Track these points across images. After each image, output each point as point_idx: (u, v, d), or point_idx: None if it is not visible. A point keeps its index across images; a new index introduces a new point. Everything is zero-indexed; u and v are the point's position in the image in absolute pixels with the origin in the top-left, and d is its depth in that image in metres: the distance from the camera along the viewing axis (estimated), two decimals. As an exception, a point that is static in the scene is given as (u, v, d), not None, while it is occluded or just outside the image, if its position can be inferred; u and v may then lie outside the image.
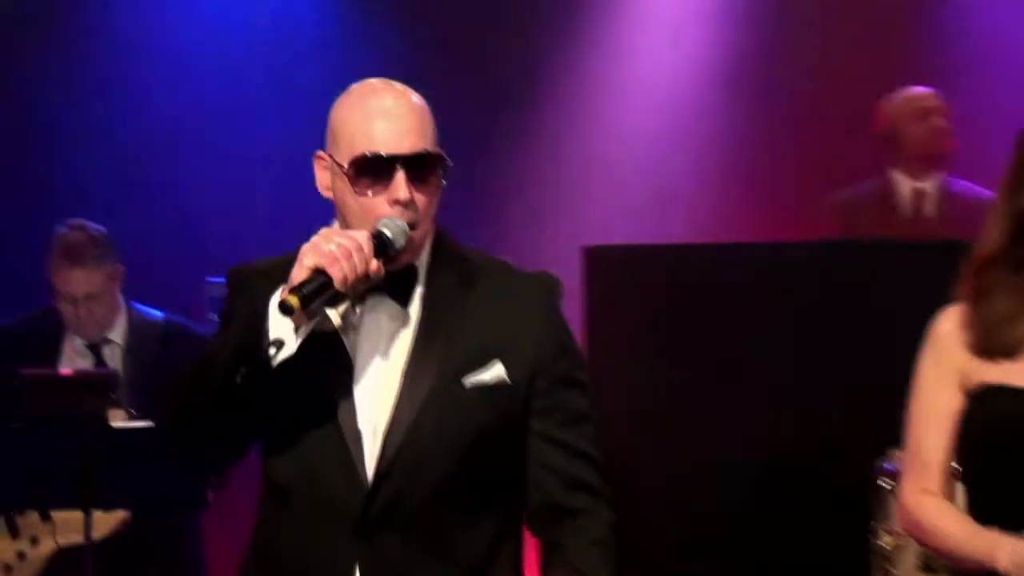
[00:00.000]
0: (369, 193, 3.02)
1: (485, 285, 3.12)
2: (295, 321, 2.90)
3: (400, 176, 3.00)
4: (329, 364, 3.04)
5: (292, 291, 2.87)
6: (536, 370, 3.08)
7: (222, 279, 3.19)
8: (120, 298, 5.66)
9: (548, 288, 3.16)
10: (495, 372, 3.06)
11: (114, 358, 5.57)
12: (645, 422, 5.58)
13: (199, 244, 7.08)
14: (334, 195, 3.09)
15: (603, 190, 7.61)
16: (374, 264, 2.95)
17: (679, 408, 5.57)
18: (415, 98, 3.08)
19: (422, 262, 3.10)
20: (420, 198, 3.03)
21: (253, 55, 7.51)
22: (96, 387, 5.07)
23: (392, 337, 3.07)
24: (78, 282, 5.50)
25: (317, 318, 2.93)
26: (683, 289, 5.65)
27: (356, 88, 3.12)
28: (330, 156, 3.08)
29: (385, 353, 3.06)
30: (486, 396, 3.06)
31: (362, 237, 2.95)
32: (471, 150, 7.41)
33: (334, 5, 7.76)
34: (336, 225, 3.10)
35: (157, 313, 5.74)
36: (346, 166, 3.02)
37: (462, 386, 3.05)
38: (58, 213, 5.90)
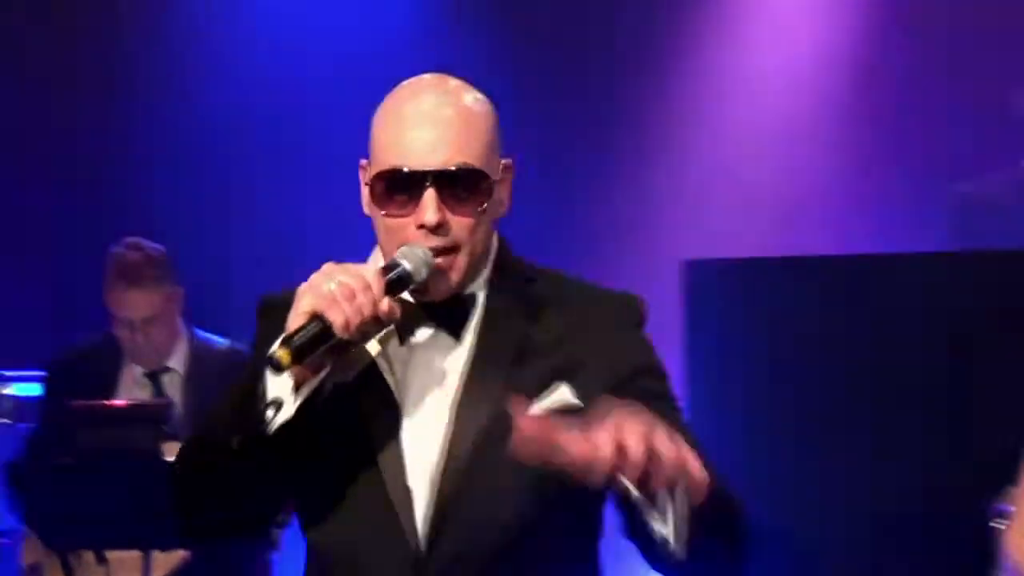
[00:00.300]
0: (396, 214, 2.60)
1: (553, 308, 2.68)
2: (296, 376, 2.49)
3: (429, 195, 2.57)
4: (373, 412, 2.63)
5: (283, 342, 2.43)
6: (612, 389, 2.59)
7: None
8: (180, 323, 5.37)
9: (627, 307, 2.72)
10: (559, 395, 2.56)
11: (173, 388, 5.28)
12: (745, 449, 5.23)
13: (280, 266, 6.79)
14: (371, 214, 2.69)
15: (715, 197, 7.22)
16: (384, 304, 2.50)
17: (783, 434, 5.22)
18: (469, 100, 2.65)
19: (479, 288, 2.68)
20: (457, 221, 2.59)
21: (340, 61, 7.24)
22: (148, 419, 4.78)
23: (445, 376, 2.65)
24: (135, 305, 5.22)
25: (325, 371, 2.52)
26: (788, 306, 5.31)
27: (402, 86, 2.69)
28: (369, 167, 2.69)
29: (436, 395, 2.64)
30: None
31: (370, 272, 2.51)
32: (575, 155, 7.13)
33: (427, 4, 7.47)
34: (377, 251, 2.69)
35: (221, 340, 5.42)
36: (372, 180, 2.63)
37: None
38: (126, 230, 5.64)
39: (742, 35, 7.33)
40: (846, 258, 5.67)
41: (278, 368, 2.42)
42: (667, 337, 5.77)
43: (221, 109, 7.16)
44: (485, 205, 2.62)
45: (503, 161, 2.69)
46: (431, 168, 2.57)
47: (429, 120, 2.59)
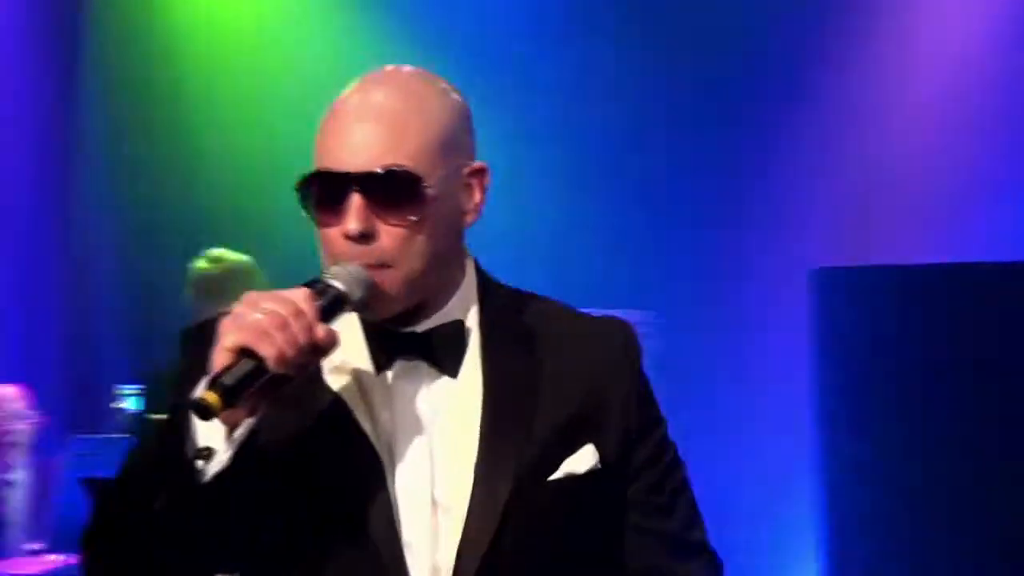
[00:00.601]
0: (325, 222, 2.30)
1: (553, 342, 2.40)
2: (227, 420, 2.17)
3: (353, 201, 2.26)
4: (348, 463, 2.30)
5: (211, 384, 2.14)
6: (628, 446, 2.40)
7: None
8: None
9: (626, 338, 2.46)
10: (587, 457, 2.36)
11: (265, 403, 5.08)
12: (877, 460, 4.97)
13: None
14: None
15: (865, 197, 6.77)
16: (320, 331, 2.20)
17: (924, 450, 4.93)
18: (418, 94, 2.33)
19: (460, 313, 2.38)
20: (389, 231, 2.27)
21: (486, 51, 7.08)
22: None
23: (438, 421, 2.34)
24: (216, 321, 5.03)
25: (259, 412, 2.20)
26: (922, 315, 5.02)
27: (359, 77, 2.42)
28: None
29: (431, 445, 2.34)
30: (578, 490, 2.35)
31: (299, 296, 2.20)
32: (710, 151, 6.82)
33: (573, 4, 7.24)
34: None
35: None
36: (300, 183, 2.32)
37: (547, 483, 2.34)
38: (243, 241, 5.50)
39: (904, 23, 6.86)
40: (992, 266, 5.27)
41: (207, 414, 2.12)
42: (795, 346, 5.52)
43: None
44: (419, 213, 2.28)
45: (473, 164, 2.36)
46: (354, 170, 2.26)
47: (362, 116, 2.28)
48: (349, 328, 2.31)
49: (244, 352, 2.16)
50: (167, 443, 2.20)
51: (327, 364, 2.30)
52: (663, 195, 6.87)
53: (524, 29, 7.16)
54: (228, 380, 2.13)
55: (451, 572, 2.28)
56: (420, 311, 2.34)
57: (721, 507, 6.33)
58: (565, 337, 2.40)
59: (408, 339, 2.33)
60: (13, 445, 5.75)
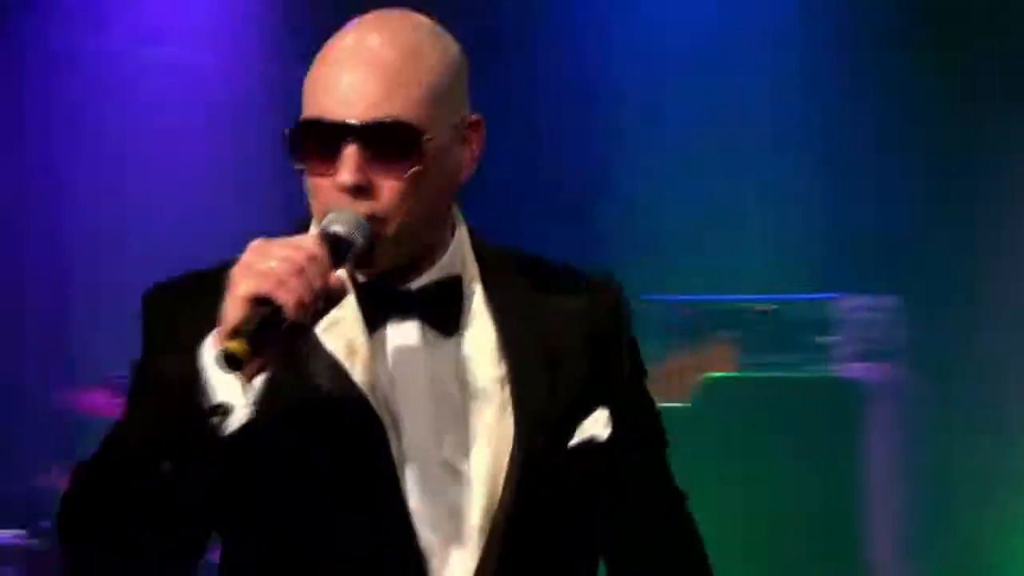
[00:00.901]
0: (318, 172, 2.24)
1: (556, 302, 2.36)
2: (245, 372, 2.11)
3: (348, 152, 2.20)
4: (346, 427, 2.24)
5: (233, 334, 2.08)
6: (627, 402, 2.38)
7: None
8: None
9: (617, 295, 2.43)
10: (604, 422, 2.33)
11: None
12: None
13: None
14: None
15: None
16: (334, 276, 2.16)
17: None
18: (416, 41, 2.25)
19: (455, 269, 2.31)
20: (386, 184, 2.21)
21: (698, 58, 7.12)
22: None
23: (442, 380, 2.29)
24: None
25: (271, 366, 2.15)
26: None
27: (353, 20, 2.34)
28: None
29: (436, 405, 2.28)
30: (598, 454, 2.32)
31: (311, 241, 2.15)
32: (982, 147, 6.71)
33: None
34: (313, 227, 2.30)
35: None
36: (291, 131, 2.26)
37: (570, 447, 2.31)
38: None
39: None
40: None
41: (235, 364, 2.06)
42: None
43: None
44: (418, 167, 2.22)
45: (470, 117, 2.30)
46: (352, 120, 2.20)
47: (356, 63, 2.21)
48: None
49: (259, 301, 2.10)
50: (173, 403, 2.12)
51: (319, 324, 2.23)
52: (922, 187, 6.73)
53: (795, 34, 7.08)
54: (249, 328, 2.08)
55: (472, 536, 2.25)
56: (413, 267, 2.29)
57: (963, 503, 5.96)
58: (566, 296, 2.37)
59: (403, 296, 2.29)
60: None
